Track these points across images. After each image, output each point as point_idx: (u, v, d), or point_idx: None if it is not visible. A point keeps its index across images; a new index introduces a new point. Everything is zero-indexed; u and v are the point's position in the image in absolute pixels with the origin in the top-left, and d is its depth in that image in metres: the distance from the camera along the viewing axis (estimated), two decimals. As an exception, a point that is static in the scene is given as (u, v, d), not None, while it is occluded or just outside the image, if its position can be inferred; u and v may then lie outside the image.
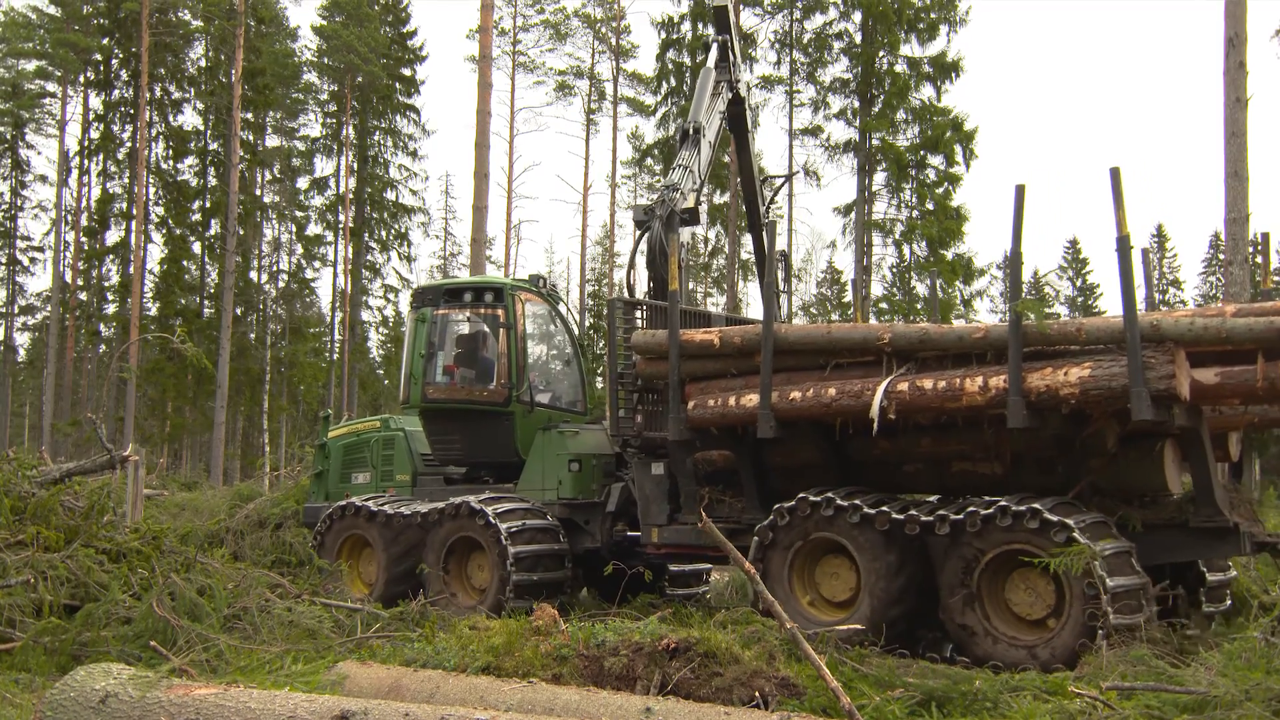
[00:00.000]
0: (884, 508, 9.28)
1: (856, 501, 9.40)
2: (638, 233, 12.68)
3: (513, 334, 13.01)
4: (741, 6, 41.26)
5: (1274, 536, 9.14)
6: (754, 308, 44.60)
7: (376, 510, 12.49)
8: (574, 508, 12.39)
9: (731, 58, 14.26)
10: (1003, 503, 8.63)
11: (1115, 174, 8.14)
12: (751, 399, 9.94)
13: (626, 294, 12.76)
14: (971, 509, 8.76)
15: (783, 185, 18.38)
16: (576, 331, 14.44)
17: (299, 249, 53.32)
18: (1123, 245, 8.23)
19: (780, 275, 13.99)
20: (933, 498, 9.98)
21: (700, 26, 39.63)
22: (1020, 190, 8.60)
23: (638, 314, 11.64)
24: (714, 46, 14.28)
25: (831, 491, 9.58)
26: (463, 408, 13.23)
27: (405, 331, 13.80)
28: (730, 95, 14.32)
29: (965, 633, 8.64)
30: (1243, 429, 9.84)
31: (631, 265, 12.95)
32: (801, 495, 9.67)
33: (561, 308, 14.17)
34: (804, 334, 10.05)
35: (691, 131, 13.30)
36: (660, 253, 12.06)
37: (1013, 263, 8.79)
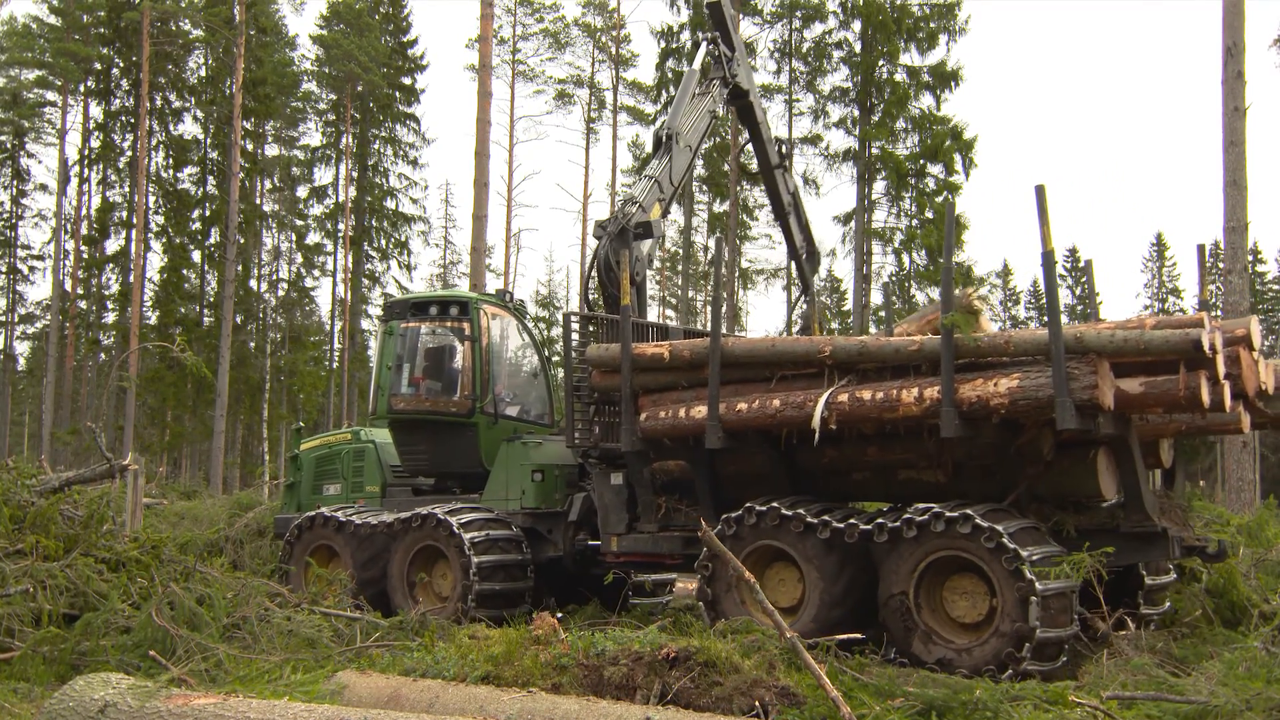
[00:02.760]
0: (799, 509, 9.57)
1: (800, 511, 9.57)
2: (595, 245, 12.78)
3: (477, 346, 13.16)
4: (741, 16, 41.47)
5: (1202, 540, 9.29)
6: (753, 315, 44.60)
7: (343, 520, 12.69)
8: (537, 517, 12.55)
9: (730, 51, 14.02)
10: (892, 524, 9.01)
11: (1040, 191, 8.30)
12: (701, 410, 10.13)
13: (587, 307, 12.86)
14: (858, 520, 9.21)
15: (790, 153, 18.19)
16: (543, 345, 14.58)
17: (299, 258, 53.73)
18: (1047, 260, 8.41)
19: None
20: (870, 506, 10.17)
21: (700, 35, 39.76)
22: (950, 206, 8.78)
23: (592, 328, 11.77)
24: (701, 46, 14.15)
25: (776, 502, 9.74)
26: (428, 418, 13.40)
27: (374, 344, 14.00)
28: (728, 90, 14.12)
29: (945, 665, 8.69)
30: (1173, 437, 10.00)
31: (588, 279, 13.05)
32: (748, 505, 9.84)
33: (529, 321, 14.32)
34: (750, 347, 10.22)
35: (665, 138, 13.26)
36: (606, 268, 12.16)
37: (944, 276, 8.95)
